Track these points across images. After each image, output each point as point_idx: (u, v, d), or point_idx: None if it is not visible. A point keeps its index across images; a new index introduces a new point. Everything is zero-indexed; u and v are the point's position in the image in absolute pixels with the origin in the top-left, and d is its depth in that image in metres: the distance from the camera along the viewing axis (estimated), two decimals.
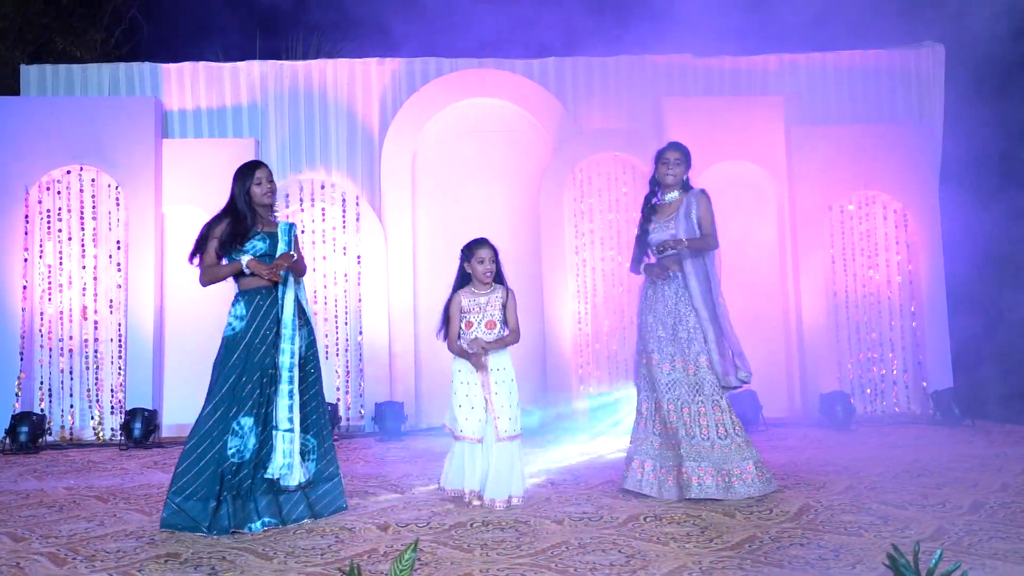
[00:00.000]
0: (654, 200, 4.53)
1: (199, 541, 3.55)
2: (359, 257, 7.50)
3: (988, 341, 7.46)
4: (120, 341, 7.18)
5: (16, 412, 6.73)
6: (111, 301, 7.22)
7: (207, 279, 3.97)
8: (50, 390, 7.12)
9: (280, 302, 3.93)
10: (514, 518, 3.79)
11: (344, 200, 7.52)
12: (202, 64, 7.79)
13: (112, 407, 7.13)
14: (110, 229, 7.28)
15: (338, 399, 7.30)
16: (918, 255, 7.61)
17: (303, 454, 3.90)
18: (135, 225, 7.22)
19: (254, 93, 7.77)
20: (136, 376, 7.07)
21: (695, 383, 4.23)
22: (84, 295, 7.23)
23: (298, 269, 4.03)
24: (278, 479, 3.80)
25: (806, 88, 7.99)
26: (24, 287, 7.10)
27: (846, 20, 8.13)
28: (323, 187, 7.54)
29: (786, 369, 7.58)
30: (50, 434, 6.95)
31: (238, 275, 3.94)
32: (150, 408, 6.86)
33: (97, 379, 7.17)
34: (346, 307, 7.51)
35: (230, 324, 3.89)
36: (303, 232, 7.47)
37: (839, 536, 3.36)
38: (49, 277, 7.21)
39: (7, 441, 6.50)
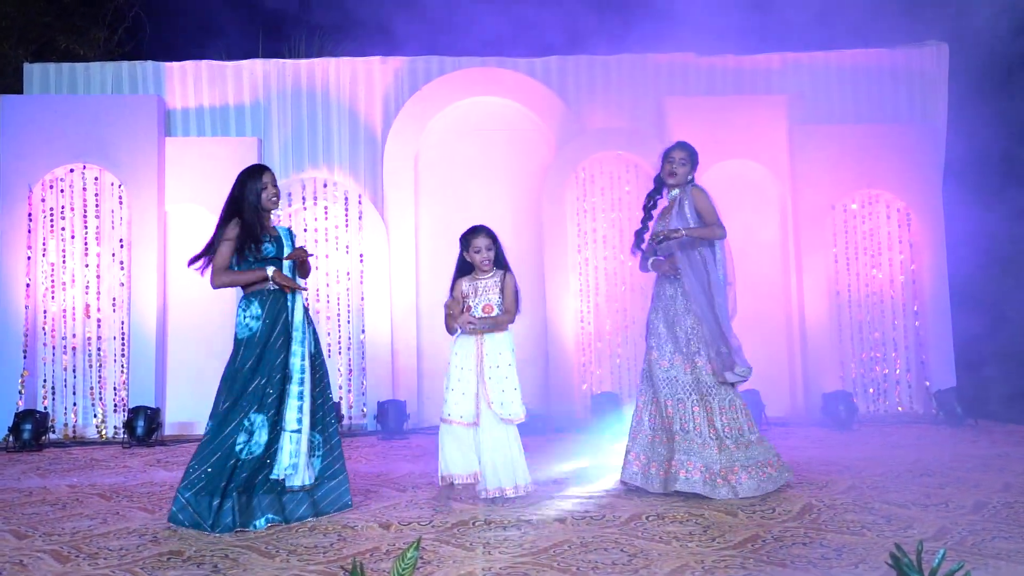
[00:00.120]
0: (657, 198, 4.54)
1: (202, 539, 3.55)
2: (361, 256, 7.50)
3: (991, 340, 7.45)
4: (123, 339, 7.19)
5: (19, 410, 6.75)
6: (114, 299, 7.23)
7: (223, 282, 3.94)
8: (53, 388, 7.14)
9: (290, 304, 3.95)
10: (516, 516, 3.79)
11: (347, 199, 7.53)
12: (205, 63, 7.79)
13: (115, 405, 7.14)
14: (113, 227, 7.30)
15: (340, 397, 7.31)
16: (921, 254, 7.60)
17: (309, 451, 3.92)
18: (138, 223, 7.23)
19: (257, 92, 7.78)
20: (139, 374, 7.08)
21: (692, 381, 4.24)
22: (87, 293, 7.24)
23: (305, 271, 4.10)
24: (282, 480, 3.81)
25: (809, 87, 7.97)
26: (27, 285, 7.11)
27: (849, 19, 8.12)
28: (325, 186, 7.54)
29: (788, 368, 7.58)
30: (53, 432, 6.96)
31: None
32: (153, 406, 6.88)
33: (100, 377, 7.18)
34: (348, 306, 7.51)
35: (247, 325, 3.89)
36: (305, 231, 7.49)
37: (842, 535, 3.36)
38: (52, 275, 7.23)
39: (10, 439, 6.52)
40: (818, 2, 7.62)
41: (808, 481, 4.45)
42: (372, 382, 7.38)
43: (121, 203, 7.30)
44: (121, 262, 7.25)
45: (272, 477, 3.80)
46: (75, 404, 7.15)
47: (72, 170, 7.30)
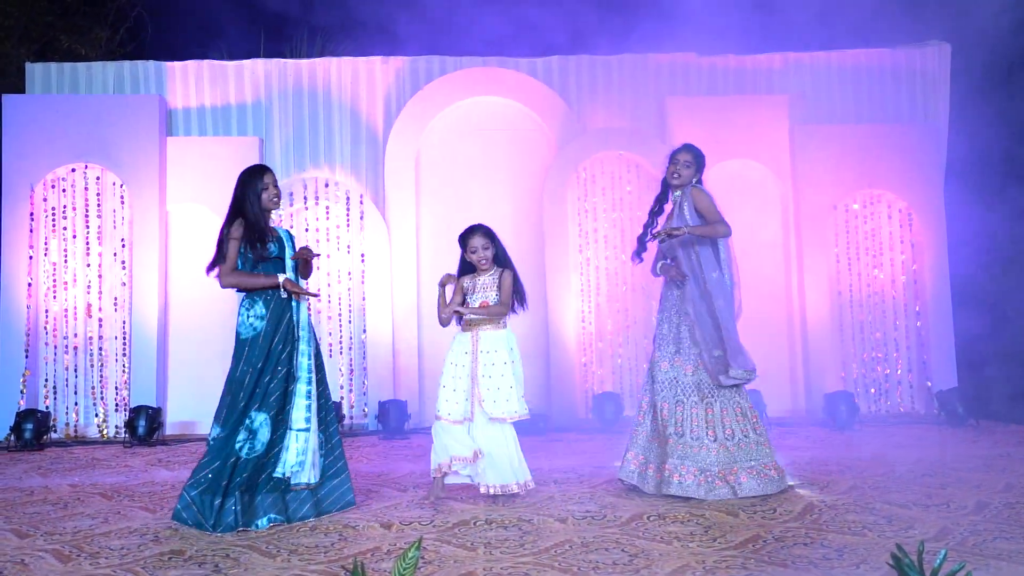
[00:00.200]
0: (664, 202, 4.52)
1: (203, 538, 3.55)
2: (363, 255, 7.50)
3: (993, 341, 7.44)
4: (124, 339, 7.20)
5: (21, 409, 6.76)
6: (115, 299, 7.24)
7: (231, 282, 3.93)
8: (55, 387, 7.14)
9: (295, 305, 3.96)
10: (517, 516, 3.79)
11: (348, 198, 7.53)
12: (206, 62, 7.80)
13: (116, 404, 7.15)
14: (115, 227, 7.30)
15: (342, 397, 7.31)
16: (923, 254, 7.59)
17: (317, 448, 3.93)
18: (139, 223, 7.23)
19: (258, 91, 7.78)
20: (140, 373, 7.08)
21: (694, 382, 4.25)
22: (89, 293, 7.25)
23: (307, 272, 4.11)
24: (288, 477, 3.82)
25: (811, 87, 7.96)
26: (29, 285, 7.12)
27: (851, 19, 8.11)
28: (327, 185, 7.54)
29: (790, 368, 7.58)
30: (55, 431, 6.97)
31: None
32: (154, 406, 6.88)
33: (101, 376, 7.19)
34: (350, 305, 7.51)
35: (251, 325, 3.89)
36: (306, 231, 7.49)
37: (843, 536, 3.36)
38: (54, 275, 7.23)
39: (12, 438, 6.53)
40: (819, 2, 7.61)
41: (809, 481, 4.45)
42: (373, 382, 7.38)
43: (123, 203, 7.31)
44: (123, 262, 7.25)
45: (276, 475, 3.81)
46: (76, 403, 7.16)
47: (74, 170, 7.30)
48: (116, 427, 7.08)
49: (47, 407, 7.05)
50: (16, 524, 3.89)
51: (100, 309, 7.23)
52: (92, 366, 7.20)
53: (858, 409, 6.92)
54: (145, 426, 6.62)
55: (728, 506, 3.89)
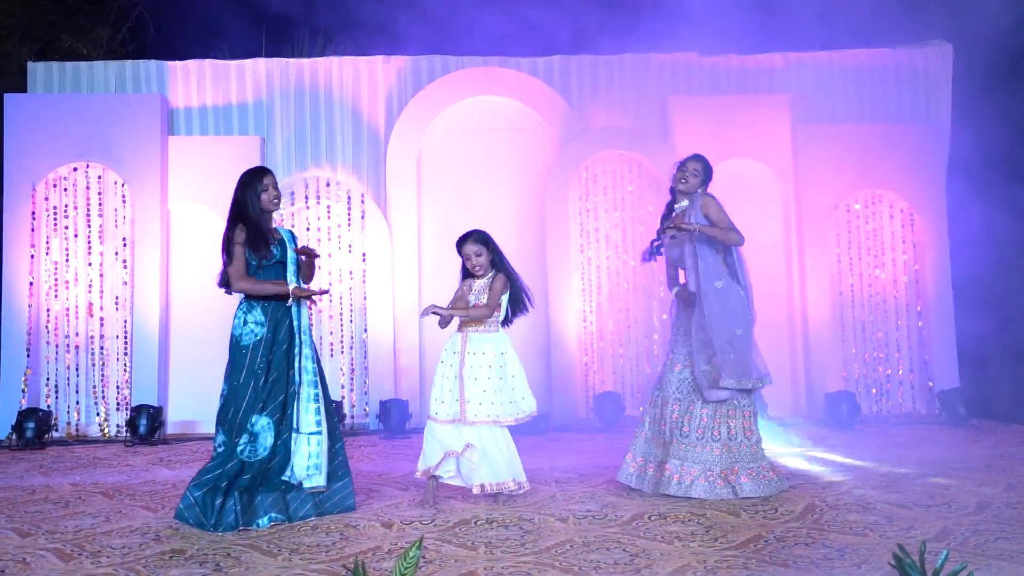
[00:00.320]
0: (676, 210, 4.51)
1: (204, 537, 3.55)
2: (364, 255, 7.50)
3: (995, 341, 7.43)
4: (126, 338, 7.20)
5: (22, 408, 6.76)
6: (117, 298, 7.24)
7: (241, 288, 3.91)
8: (56, 386, 7.15)
9: (297, 309, 3.97)
10: (518, 516, 3.79)
11: (349, 198, 7.53)
12: (208, 62, 7.80)
13: (118, 404, 7.15)
14: (116, 226, 7.31)
15: (343, 397, 7.31)
16: (924, 254, 7.58)
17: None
18: (141, 222, 7.24)
19: (260, 91, 7.78)
20: (142, 373, 7.09)
21: (698, 386, 4.25)
22: (90, 292, 7.25)
23: (309, 274, 4.11)
24: (300, 482, 3.82)
25: (812, 87, 7.95)
26: (31, 283, 7.12)
27: (853, 18, 8.10)
28: (328, 185, 7.54)
29: (791, 368, 7.57)
30: (56, 430, 6.97)
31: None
32: (155, 405, 6.88)
33: (103, 376, 7.19)
34: (351, 305, 7.51)
35: (251, 331, 3.88)
36: (308, 230, 7.49)
37: (844, 536, 3.35)
38: (55, 274, 7.24)
39: (13, 437, 6.53)
40: (821, 2, 7.61)
41: (810, 481, 4.45)
42: (374, 381, 7.38)
43: (124, 202, 7.31)
44: (124, 261, 7.26)
45: (285, 479, 3.81)
46: (78, 402, 7.16)
47: (75, 169, 7.31)
48: (117, 426, 7.08)
49: (48, 406, 7.05)
50: (18, 523, 3.89)
51: (101, 308, 7.24)
52: (93, 365, 7.20)
53: (859, 409, 6.91)
54: (146, 425, 6.62)
55: (729, 506, 3.89)
